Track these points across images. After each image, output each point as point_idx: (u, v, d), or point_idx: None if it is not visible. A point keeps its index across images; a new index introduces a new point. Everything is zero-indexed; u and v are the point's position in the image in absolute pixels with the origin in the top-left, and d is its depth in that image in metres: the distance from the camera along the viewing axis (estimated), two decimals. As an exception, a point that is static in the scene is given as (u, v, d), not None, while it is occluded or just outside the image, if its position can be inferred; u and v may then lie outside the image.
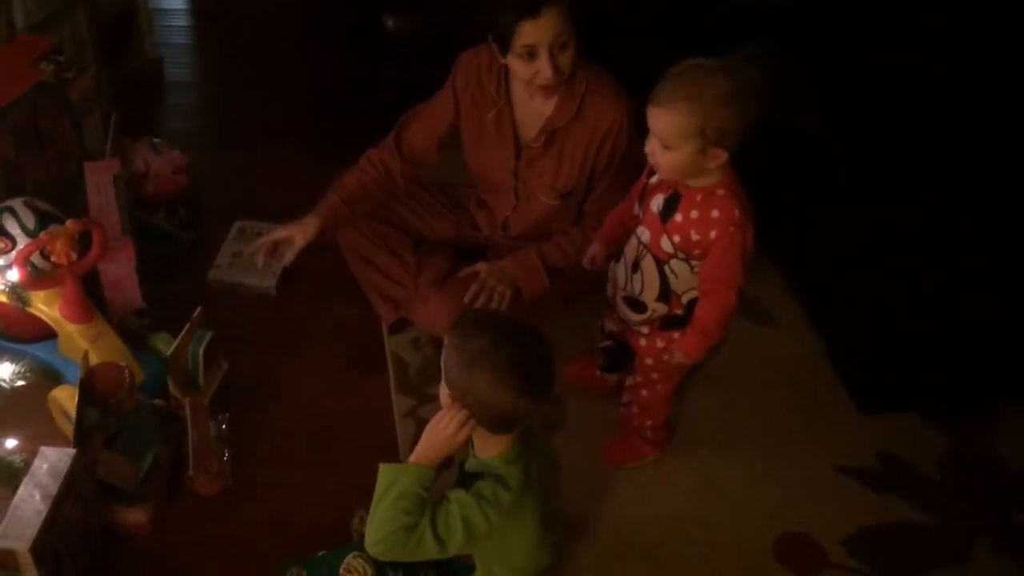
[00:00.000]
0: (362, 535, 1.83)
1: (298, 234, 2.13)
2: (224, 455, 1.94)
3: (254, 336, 2.28)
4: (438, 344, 2.27)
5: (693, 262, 1.76)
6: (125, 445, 1.88)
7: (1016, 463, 2.17)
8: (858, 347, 2.29)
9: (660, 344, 1.91)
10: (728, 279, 1.74)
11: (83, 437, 1.77)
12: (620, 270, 1.90)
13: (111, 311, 2.12)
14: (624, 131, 2.02)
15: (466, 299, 2.07)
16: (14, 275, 1.92)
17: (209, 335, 2.04)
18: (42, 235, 1.90)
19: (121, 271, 2.13)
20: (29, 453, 1.78)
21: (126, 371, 1.87)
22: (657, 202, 1.78)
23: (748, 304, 2.47)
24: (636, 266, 1.84)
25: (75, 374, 1.88)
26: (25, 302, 1.95)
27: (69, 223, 1.91)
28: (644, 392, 2.02)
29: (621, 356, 2.11)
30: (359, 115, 2.85)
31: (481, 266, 2.15)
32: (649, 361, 1.96)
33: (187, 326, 2.01)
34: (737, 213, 1.70)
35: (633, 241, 1.85)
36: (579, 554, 1.93)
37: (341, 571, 1.69)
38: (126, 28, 2.94)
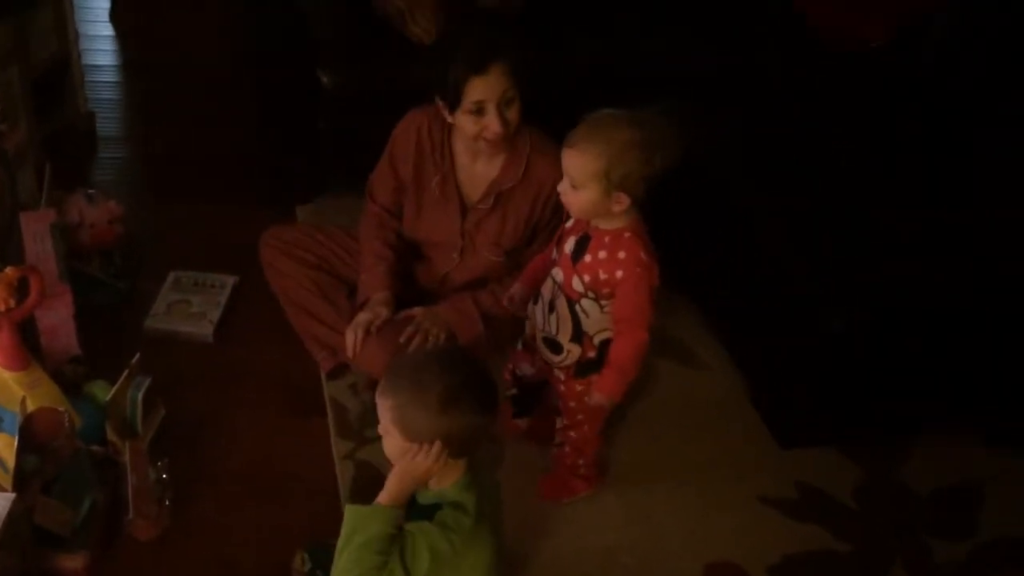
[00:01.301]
0: (302, 575, 1.87)
1: (382, 308, 2.17)
2: (165, 500, 1.95)
3: (193, 382, 2.29)
4: (376, 388, 2.32)
5: (603, 302, 1.86)
6: (62, 491, 1.87)
7: (925, 491, 2.29)
8: (776, 386, 2.41)
9: (579, 388, 1.98)
10: (638, 318, 1.83)
11: (22, 482, 1.77)
12: (538, 311, 1.99)
13: (47, 359, 2.12)
14: None
15: (401, 339, 2.13)
16: (-50, 322, 1.91)
17: (148, 381, 2.05)
18: (-21, 282, 1.91)
19: (58, 319, 2.13)
20: (-35, 500, 1.77)
21: (66, 416, 1.87)
22: (570, 244, 1.89)
23: (674, 346, 2.58)
24: (552, 306, 1.93)
25: (13, 422, 1.87)
26: (-39, 349, 1.94)
27: (8, 270, 1.92)
28: (572, 433, 2.09)
29: (528, 400, 2.20)
30: (291, 165, 2.92)
31: (417, 310, 2.21)
32: (572, 404, 2.02)
33: (125, 372, 2.02)
34: (642, 255, 1.81)
35: (549, 282, 1.94)
36: (516, 589, 1.98)
37: None
38: (59, 82, 2.95)
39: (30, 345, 2.04)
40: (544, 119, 2.15)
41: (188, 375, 2.31)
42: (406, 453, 1.55)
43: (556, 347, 1.96)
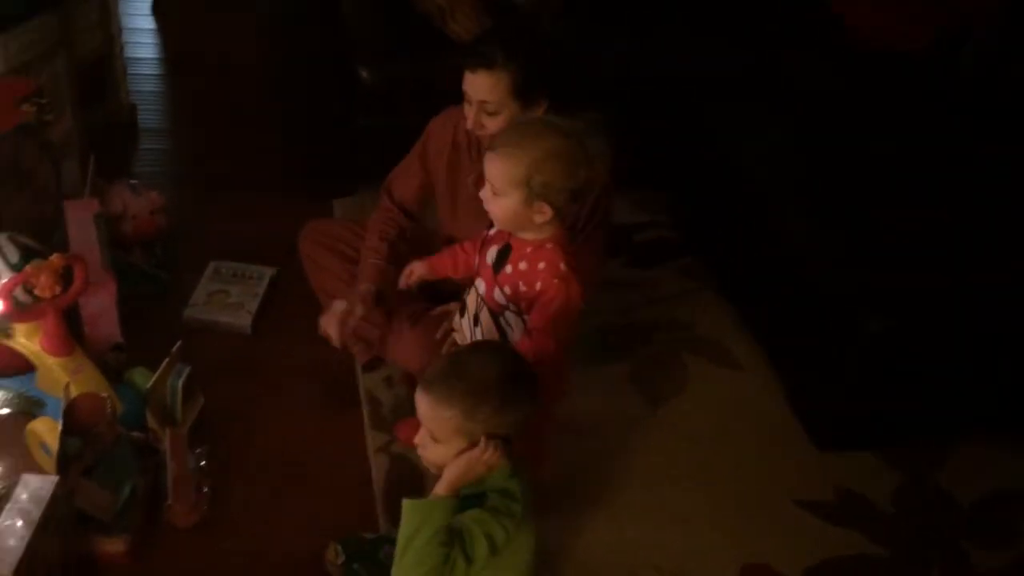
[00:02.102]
0: (337, 567, 1.88)
1: (358, 304, 2.13)
2: (204, 488, 1.97)
3: (230, 372, 2.31)
4: (411, 382, 2.33)
5: (526, 316, 1.78)
6: (103, 476, 1.89)
7: (962, 497, 2.26)
8: (814, 387, 2.39)
9: None
10: (549, 328, 1.74)
11: (64, 465, 1.79)
12: (465, 324, 1.92)
13: (90, 346, 2.14)
14: (604, 190, 2.09)
15: (437, 335, 2.13)
16: (-3, 308, 1.95)
17: (188, 369, 2.08)
18: (27, 268, 1.94)
19: (101, 306, 2.16)
20: (9, 482, 1.79)
21: (108, 402, 1.89)
22: (491, 253, 1.83)
23: (709, 345, 2.57)
24: (477, 319, 1.86)
25: (56, 407, 1.90)
26: (7, 335, 1.97)
27: (54, 257, 1.95)
28: None
29: None
30: (329, 159, 2.94)
31: (453, 305, 2.21)
32: None
33: (166, 360, 2.04)
34: (562, 267, 1.73)
35: (473, 294, 1.88)
36: (548, 586, 1.97)
37: None
38: (103, 75, 2.99)
39: (74, 332, 2.07)
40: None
41: (225, 365, 2.33)
42: (465, 455, 1.55)
43: None
